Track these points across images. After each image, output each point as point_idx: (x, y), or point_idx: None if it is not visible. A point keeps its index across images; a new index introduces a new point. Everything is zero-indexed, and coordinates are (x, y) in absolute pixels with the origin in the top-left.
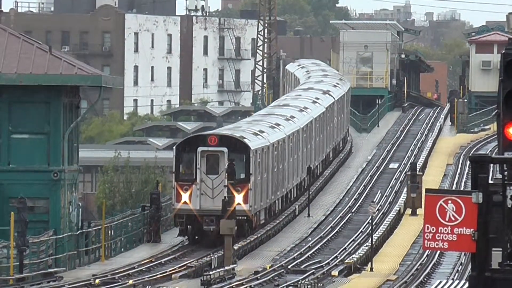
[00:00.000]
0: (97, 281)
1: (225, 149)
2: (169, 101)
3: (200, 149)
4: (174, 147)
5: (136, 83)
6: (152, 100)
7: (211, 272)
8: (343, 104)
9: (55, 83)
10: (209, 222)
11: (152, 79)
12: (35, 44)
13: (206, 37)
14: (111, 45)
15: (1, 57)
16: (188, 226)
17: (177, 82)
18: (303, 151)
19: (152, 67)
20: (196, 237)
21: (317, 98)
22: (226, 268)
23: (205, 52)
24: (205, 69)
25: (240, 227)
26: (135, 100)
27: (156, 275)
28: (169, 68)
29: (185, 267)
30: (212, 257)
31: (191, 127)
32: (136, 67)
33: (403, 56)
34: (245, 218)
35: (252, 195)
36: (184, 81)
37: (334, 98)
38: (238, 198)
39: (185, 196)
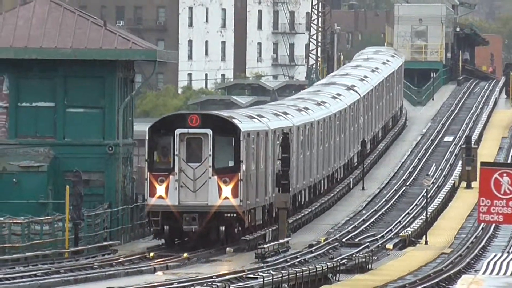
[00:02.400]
0: (151, 254)
1: (209, 131)
2: (223, 75)
3: (178, 131)
4: (147, 129)
5: (190, 57)
6: (206, 74)
7: (265, 246)
8: (394, 80)
9: (109, 58)
10: (190, 220)
11: (206, 53)
12: (90, 19)
13: (260, 11)
14: (166, 20)
15: (57, 32)
16: (165, 226)
17: (231, 56)
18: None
19: (206, 41)
20: (176, 240)
21: (366, 76)
22: (281, 241)
23: (259, 26)
24: (259, 43)
25: (228, 228)
26: (189, 74)
27: (211, 249)
28: (223, 43)
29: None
30: (267, 231)
31: (245, 101)
32: (190, 42)
33: (457, 29)
34: (234, 215)
35: (244, 187)
36: (238, 55)
37: (383, 76)
38: (226, 190)
39: (160, 189)
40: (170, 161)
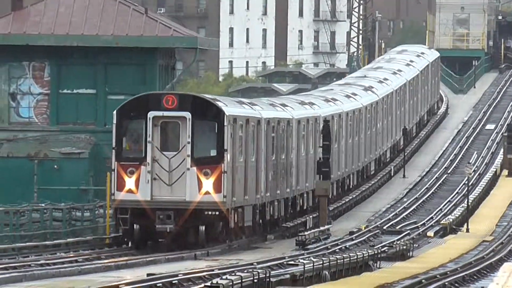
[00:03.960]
0: None
1: (188, 114)
2: (264, 62)
3: (151, 114)
4: (115, 112)
5: (231, 44)
6: (247, 62)
7: (306, 233)
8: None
9: (151, 45)
10: (164, 219)
11: (247, 41)
12: (131, 6)
13: None
14: (207, 7)
15: (98, 19)
16: (135, 226)
17: (272, 44)
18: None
19: (247, 29)
20: (148, 242)
21: (399, 70)
22: (321, 228)
23: (301, 14)
24: (300, 31)
25: (209, 228)
26: (230, 62)
27: (252, 237)
28: (264, 30)
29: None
30: (307, 218)
31: (286, 88)
32: (231, 29)
33: (500, 17)
34: (217, 213)
35: (228, 182)
36: (279, 42)
37: (418, 70)
38: (206, 184)
39: (130, 182)
40: (142, 149)
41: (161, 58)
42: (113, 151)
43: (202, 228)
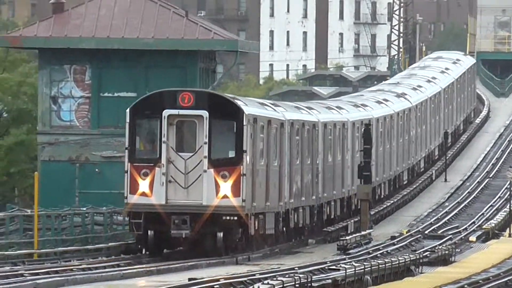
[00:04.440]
0: None
1: (205, 113)
2: (304, 65)
3: (166, 112)
4: (128, 110)
5: (271, 47)
6: (287, 65)
7: (347, 237)
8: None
9: (191, 48)
10: (180, 224)
11: (287, 44)
12: (171, 9)
13: (341, 2)
14: (247, 10)
15: (139, 22)
16: (149, 231)
17: (312, 47)
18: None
19: (288, 32)
20: (164, 250)
21: (434, 78)
22: (363, 233)
23: (341, 17)
24: (341, 34)
25: (228, 234)
26: (271, 65)
27: (292, 241)
28: (304, 33)
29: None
30: (349, 222)
31: (326, 92)
32: (271, 32)
33: None
34: (235, 218)
35: (248, 185)
36: (320, 45)
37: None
38: (224, 187)
39: (143, 185)
40: (156, 150)
41: (202, 61)
42: (126, 151)
43: (220, 234)
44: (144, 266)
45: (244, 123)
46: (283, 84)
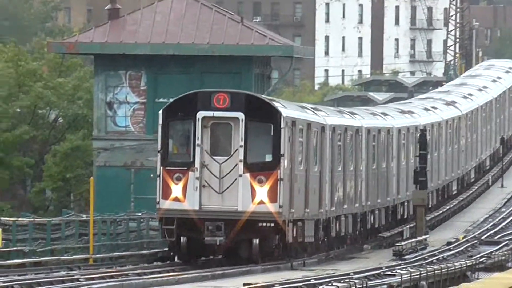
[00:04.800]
0: None
1: (240, 115)
2: (360, 71)
3: (201, 114)
4: (160, 112)
5: (327, 53)
6: (343, 70)
7: (403, 243)
8: None
9: (246, 54)
10: (214, 230)
11: (343, 49)
12: (227, 15)
13: (397, 7)
14: (302, 16)
15: (194, 28)
16: (182, 238)
17: (368, 52)
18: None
19: (343, 37)
20: (199, 258)
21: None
22: (418, 238)
23: (397, 22)
24: (397, 39)
25: (264, 241)
26: (326, 70)
27: (314, 254)
28: (360, 38)
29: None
30: (404, 228)
31: (382, 97)
32: (327, 37)
33: None
34: (272, 225)
35: (285, 190)
36: (375, 51)
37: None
38: (261, 193)
39: (176, 189)
40: (190, 153)
41: (257, 67)
42: (158, 154)
43: (256, 241)
44: (198, 271)
45: (282, 126)
46: (338, 90)
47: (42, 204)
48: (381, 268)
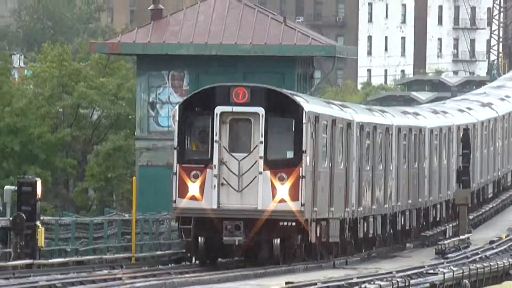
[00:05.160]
0: None
1: (261, 110)
2: (403, 71)
3: (219, 109)
4: (177, 107)
5: (370, 53)
6: (386, 70)
7: (445, 242)
8: None
9: (289, 54)
10: (233, 230)
11: (386, 49)
12: (269, 15)
13: (440, 7)
14: (345, 16)
15: (237, 28)
16: (199, 238)
17: (411, 52)
18: None
19: (386, 37)
20: (218, 259)
21: None
22: (461, 237)
23: (440, 22)
24: (440, 39)
25: (285, 241)
26: (369, 70)
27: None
28: (403, 38)
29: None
30: (447, 227)
31: (425, 97)
32: (369, 37)
33: None
34: (293, 224)
35: (308, 188)
36: (418, 50)
37: None
38: (282, 190)
39: (193, 188)
40: (208, 150)
41: (300, 67)
42: (175, 151)
43: (277, 241)
44: (240, 270)
45: (304, 121)
46: (381, 90)
47: (84, 204)
48: (423, 266)
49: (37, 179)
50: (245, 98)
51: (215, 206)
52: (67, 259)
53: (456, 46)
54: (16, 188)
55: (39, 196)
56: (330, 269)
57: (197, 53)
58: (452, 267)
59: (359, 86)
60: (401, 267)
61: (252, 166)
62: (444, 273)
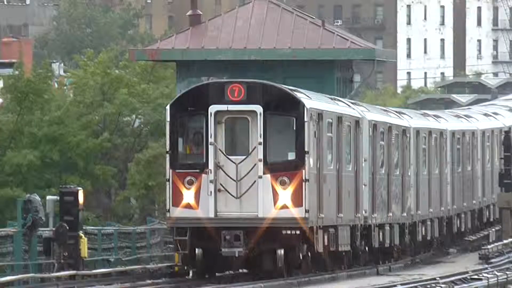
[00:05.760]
0: None
1: (258, 108)
2: (442, 73)
3: (213, 108)
4: (168, 106)
5: (409, 55)
6: (425, 73)
7: (489, 246)
8: None
9: (328, 58)
10: (231, 240)
11: (425, 52)
12: (308, 19)
13: (479, 8)
14: (384, 18)
15: (275, 32)
16: (196, 249)
17: (450, 54)
18: None
19: (425, 39)
20: (215, 273)
21: None
22: (505, 241)
23: (479, 23)
24: (479, 40)
25: (289, 251)
26: (408, 73)
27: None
28: (442, 40)
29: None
30: (490, 231)
31: (465, 99)
32: (408, 40)
33: None
34: (297, 233)
35: (312, 192)
36: (458, 52)
37: None
38: (284, 196)
39: (188, 195)
40: (202, 153)
41: (339, 71)
42: (167, 155)
43: (280, 252)
44: (284, 279)
45: (306, 119)
46: (421, 93)
47: (126, 213)
48: (467, 272)
49: (79, 188)
50: (241, 95)
51: (212, 215)
52: (110, 269)
53: (495, 48)
54: (58, 198)
55: (82, 205)
56: (374, 276)
57: (236, 58)
58: (496, 272)
59: (399, 89)
60: (445, 273)
61: (251, 170)
62: (488, 278)
